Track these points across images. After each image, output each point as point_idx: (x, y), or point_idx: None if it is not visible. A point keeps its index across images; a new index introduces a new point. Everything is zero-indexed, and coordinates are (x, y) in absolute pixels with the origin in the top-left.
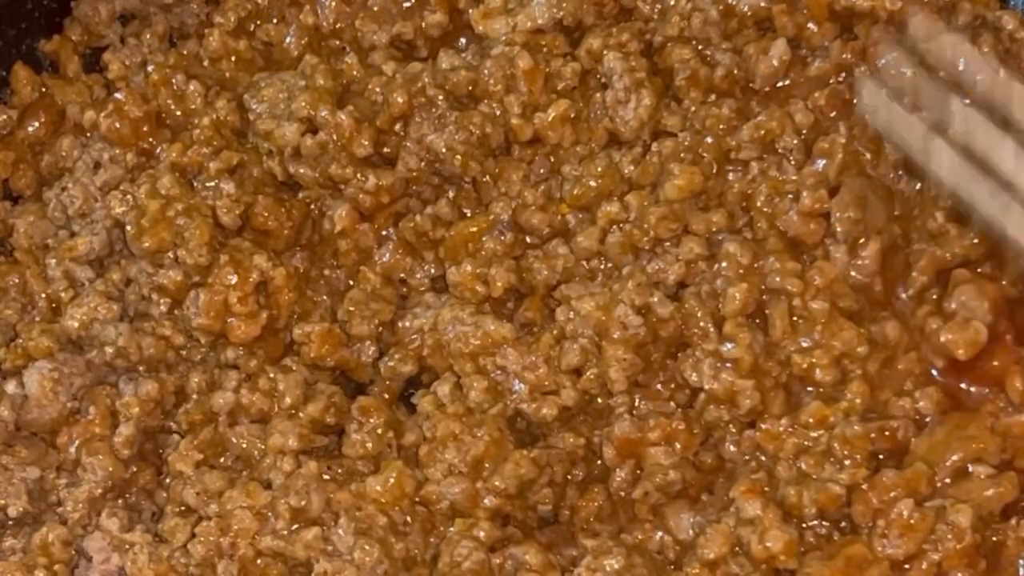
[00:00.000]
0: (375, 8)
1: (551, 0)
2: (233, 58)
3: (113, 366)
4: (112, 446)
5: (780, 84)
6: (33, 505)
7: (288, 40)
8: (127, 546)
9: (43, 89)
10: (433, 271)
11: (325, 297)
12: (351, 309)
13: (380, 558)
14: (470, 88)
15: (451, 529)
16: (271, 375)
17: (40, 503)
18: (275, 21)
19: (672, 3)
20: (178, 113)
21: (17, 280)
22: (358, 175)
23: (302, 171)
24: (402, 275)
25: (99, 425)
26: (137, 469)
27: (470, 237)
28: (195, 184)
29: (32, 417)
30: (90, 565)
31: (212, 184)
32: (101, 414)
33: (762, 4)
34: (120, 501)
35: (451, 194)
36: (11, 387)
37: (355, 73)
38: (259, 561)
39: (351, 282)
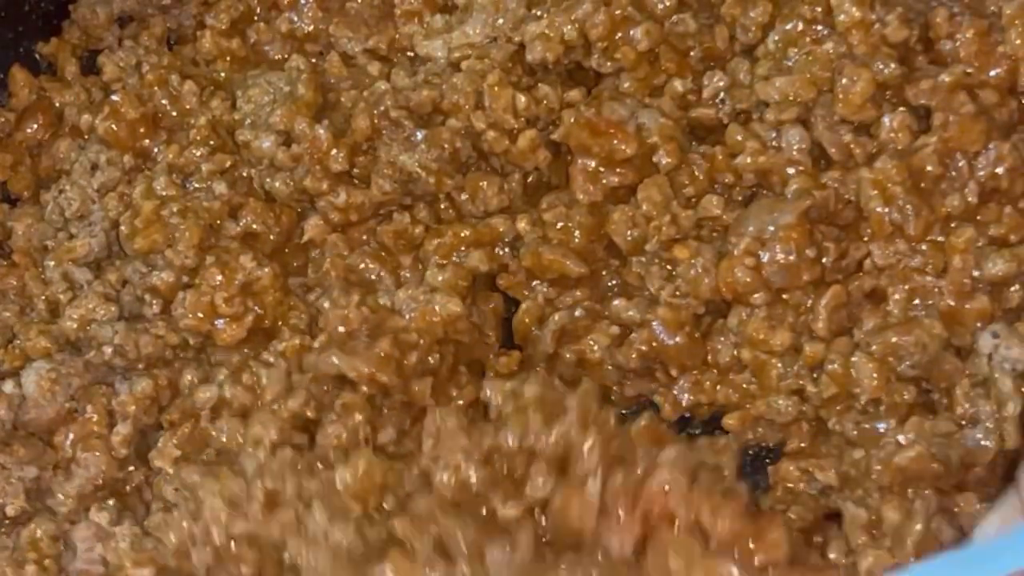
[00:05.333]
0: (351, 13)
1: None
2: (228, 58)
3: (112, 365)
4: (109, 444)
5: None
6: (31, 504)
7: (272, 45)
8: (112, 537)
9: (41, 91)
10: (408, 276)
11: (305, 302)
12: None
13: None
14: (435, 104)
15: None
16: (253, 370)
17: (36, 503)
18: (261, 22)
19: None
20: (174, 114)
21: (15, 282)
22: (332, 191)
23: (277, 185)
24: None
25: (97, 424)
26: (133, 468)
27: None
28: (187, 185)
29: (30, 417)
30: (75, 555)
31: (204, 185)
32: (99, 413)
33: None
34: (112, 501)
35: (425, 211)
36: (9, 387)
37: (338, 71)
38: (232, 547)
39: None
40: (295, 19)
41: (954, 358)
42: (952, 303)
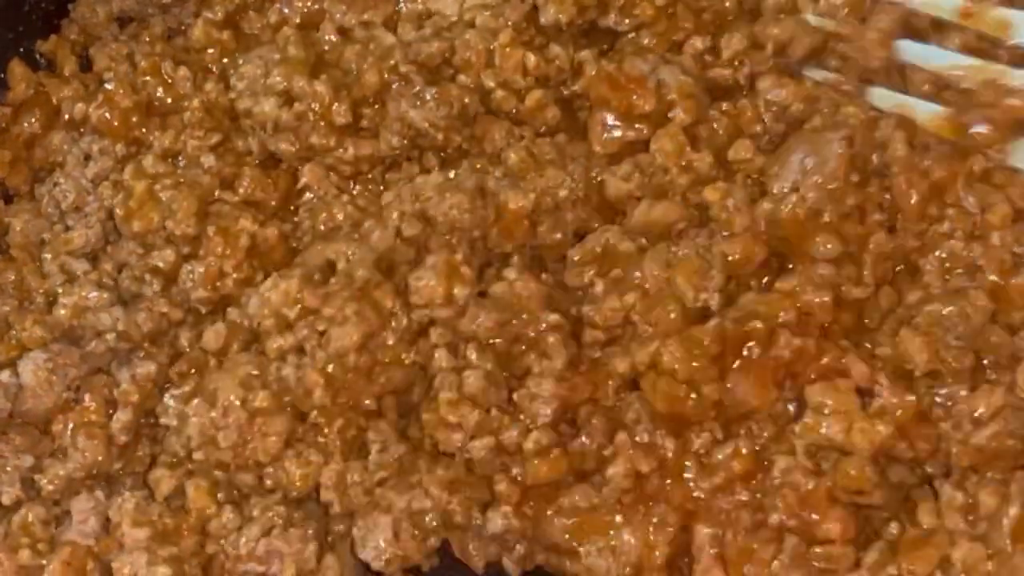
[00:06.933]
0: None
1: None
2: (219, 48)
3: (115, 350)
4: (108, 432)
5: None
6: (26, 493)
7: (264, 33)
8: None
9: (39, 86)
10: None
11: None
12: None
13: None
14: (444, 57)
15: None
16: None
17: (31, 491)
18: (252, 11)
19: None
20: (168, 100)
21: (13, 277)
22: (338, 145)
23: (283, 147)
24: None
25: (95, 412)
26: (135, 452)
27: None
28: (178, 163)
29: (27, 408)
30: (69, 525)
31: (194, 159)
32: (97, 402)
33: None
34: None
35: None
36: (5, 376)
37: (330, 38)
38: (256, 422)
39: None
40: (286, 11)
41: (1002, 331)
42: (996, 279)
